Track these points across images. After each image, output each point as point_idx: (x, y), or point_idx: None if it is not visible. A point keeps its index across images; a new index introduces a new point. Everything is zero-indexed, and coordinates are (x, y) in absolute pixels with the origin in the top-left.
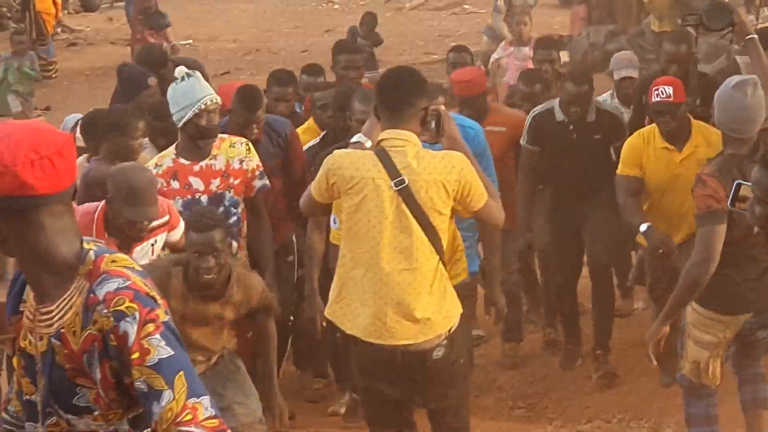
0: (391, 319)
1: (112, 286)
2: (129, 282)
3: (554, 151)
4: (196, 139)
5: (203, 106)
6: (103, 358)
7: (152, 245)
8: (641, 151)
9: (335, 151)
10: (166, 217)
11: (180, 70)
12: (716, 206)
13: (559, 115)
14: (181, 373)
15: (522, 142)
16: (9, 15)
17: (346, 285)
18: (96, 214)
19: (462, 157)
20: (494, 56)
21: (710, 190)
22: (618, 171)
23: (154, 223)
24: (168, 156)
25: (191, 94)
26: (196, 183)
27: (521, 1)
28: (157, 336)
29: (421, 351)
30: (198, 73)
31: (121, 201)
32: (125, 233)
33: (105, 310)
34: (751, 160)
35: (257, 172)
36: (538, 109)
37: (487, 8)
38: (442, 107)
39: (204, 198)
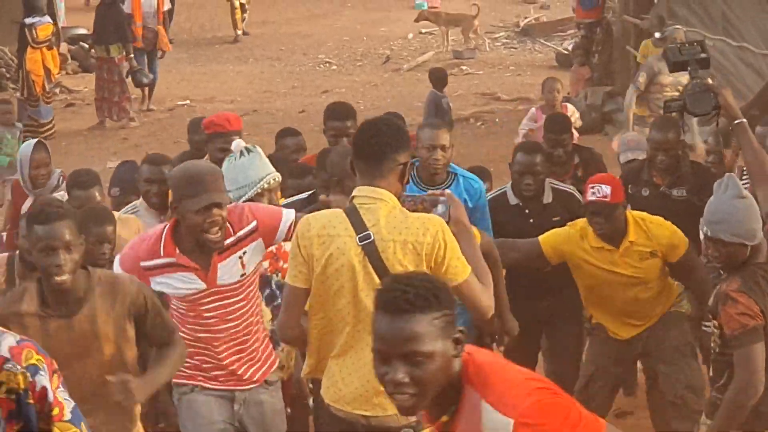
0: (361, 388)
1: (10, 340)
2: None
3: (510, 237)
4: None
5: (266, 186)
6: (11, 421)
7: (240, 258)
8: (572, 244)
9: (303, 217)
10: (253, 224)
11: (237, 145)
12: (752, 323)
13: (513, 199)
14: (83, 422)
15: None
16: (8, 75)
17: (321, 347)
18: (164, 235)
19: (441, 223)
20: (524, 126)
21: (742, 307)
22: (539, 239)
23: (240, 233)
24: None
25: (253, 172)
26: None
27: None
28: (62, 386)
29: (386, 428)
30: (258, 149)
31: (182, 196)
32: (199, 241)
33: (17, 367)
34: None
35: None
36: (489, 195)
37: (485, 70)
38: (449, 191)
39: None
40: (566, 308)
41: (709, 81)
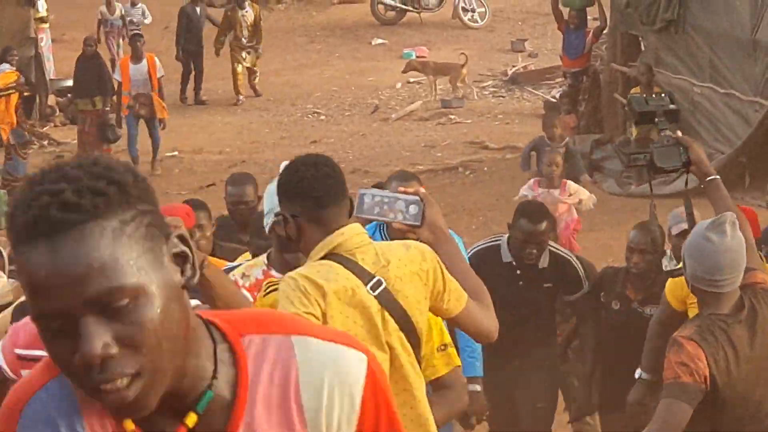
0: None
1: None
2: None
3: (493, 295)
4: (279, 250)
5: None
6: None
7: None
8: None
9: (291, 276)
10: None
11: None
12: (687, 379)
13: (506, 255)
14: None
15: None
16: None
17: None
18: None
19: (428, 248)
20: (522, 193)
21: (685, 356)
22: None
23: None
24: (258, 266)
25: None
26: None
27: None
28: None
29: None
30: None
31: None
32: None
33: None
34: (736, 320)
35: None
36: (480, 244)
37: (473, 118)
38: (423, 189)
39: None
40: (543, 367)
41: (679, 134)
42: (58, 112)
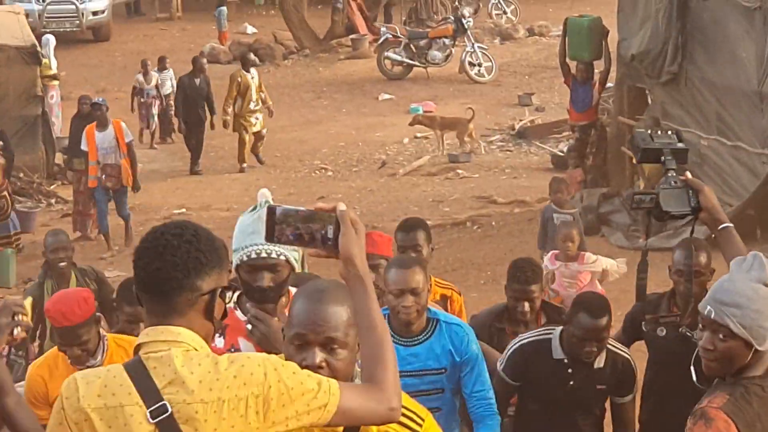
0: None
1: None
2: None
3: (539, 394)
4: (250, 299)
5: (245, 257)
6: None
7: None
8: None
9: (68, 379)
10: None
11: (262, 194)
12: None
13: (558, 352)
14: None
15: (498, 365)
16: None
17: None
18: None
19: (265, 359)
20: (544, 265)
21: (715, 430)
22: None
23: None
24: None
25: (242, 234)
26: (247, 348)
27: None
28: None
29: None
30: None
31: None
32: None
33: None
34: None
35: None
36: (529, 336)
37: (480, 173)
38: (342, 207)
39: None
40: None
41: (688, 175)
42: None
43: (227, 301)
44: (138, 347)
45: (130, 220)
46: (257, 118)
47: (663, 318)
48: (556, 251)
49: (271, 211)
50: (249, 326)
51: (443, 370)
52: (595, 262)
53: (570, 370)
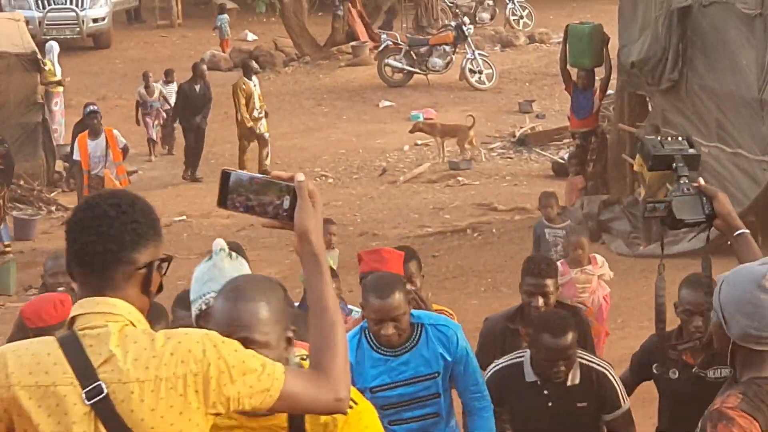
0: None
1: None
2: None
3: (521, 420)
4: None
5: (203, 306)
6: None
7: None
8: None
9: (2, 350)
10: None
11: (217, 243)
12: None
13: (530, 375)
14: None
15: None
16: None
17: None
18: None
19: (204, 335)
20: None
21: (739, 429)
22: None
23: None
24: None
25: (198, 283)
26: None
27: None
28: None
29: None
30: (233, 255)
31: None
32: None
33: None
34: None
35: None
36: (502, 362)
37: (481, 180)
38: (301, 175)
39: None
40: None
41: (701, 182)
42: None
43: (163, 273)
44: (72, 320)
45: None
46: (261, 124)
47: (681, 345)
48: (563, 260)
49: (225, 176)
50: None
51: (436, 374)
52: (603, 265)
53: (546, 392)
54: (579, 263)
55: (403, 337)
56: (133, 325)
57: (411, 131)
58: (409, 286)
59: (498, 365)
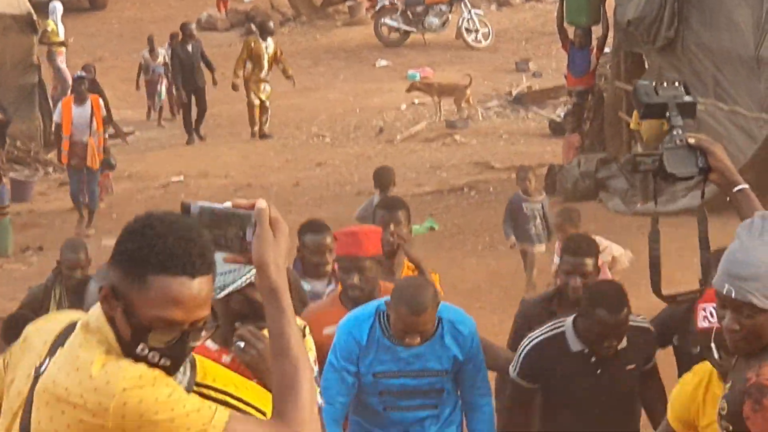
0: None
1: None
2: None
3: (567, 392)
4: (243, 319)
5: (230, 291)
6: None
7: None
8: (696, 399)
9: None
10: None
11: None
12: None
13: (575, 344)
14: None
15: (511, 370)
16: None
17: None
18: None
19: (136, 378)
20: (555, 260)
21: None
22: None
23: None
24: None
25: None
26: None
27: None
28: None
29: None
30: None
31: None
32: None
33: None
34: None
35: None
36: (539, 334)
37: (478, 139)
38: (262, 202)
39: None
40: None
41: (694, 139)
42: None
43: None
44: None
45: (96, 205)
46: (265, 88)
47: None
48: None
49: (185, 210)
50: (241, 344)
51: (444, 372)
52: (605, 250)
53: (593, 359)
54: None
55: (425, 340)
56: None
57: (408, 90)
58: (392, 235)
59: (536, 338)
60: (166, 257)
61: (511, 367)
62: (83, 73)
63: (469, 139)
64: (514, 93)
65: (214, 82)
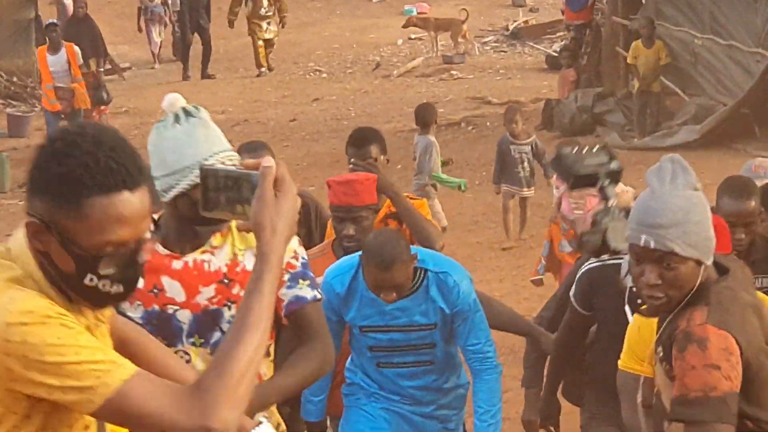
0: None
1: None
2: None
3: (618, 334)
4: (194, 222)
5: (188, 188)
6: None
7: None
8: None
9: None
10: None
11: (172, 101)
12: (724, 387)
13: (628, 280)
14: None
15: (571, 294)
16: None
17: None
18: None
19: (26, 311)
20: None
21: (715, 351)
22: (620, 364)
23: None
24: None
25: (192, 148)
26: (173, 289)
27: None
28: None
29: None
30: (204, 113)
31: None
32: None
33: None
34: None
35: (285, 275)
36: (596, 262)
37: (474, 74)
38: (269, 160)
39: (183, 315)
40: None
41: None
42: None
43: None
44: None
45: None
46: (268, 24)
47: None
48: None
49: (205, 175)
50: None
51: (432, 326)
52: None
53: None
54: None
55: (403, 294)
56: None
57: (404, 26)
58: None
59: (593, 264)
60: (103, 175)
61: (572, 290)
62: (55, 20)
63: (465, 74)
64: (510, 28)
65: (231, 24)
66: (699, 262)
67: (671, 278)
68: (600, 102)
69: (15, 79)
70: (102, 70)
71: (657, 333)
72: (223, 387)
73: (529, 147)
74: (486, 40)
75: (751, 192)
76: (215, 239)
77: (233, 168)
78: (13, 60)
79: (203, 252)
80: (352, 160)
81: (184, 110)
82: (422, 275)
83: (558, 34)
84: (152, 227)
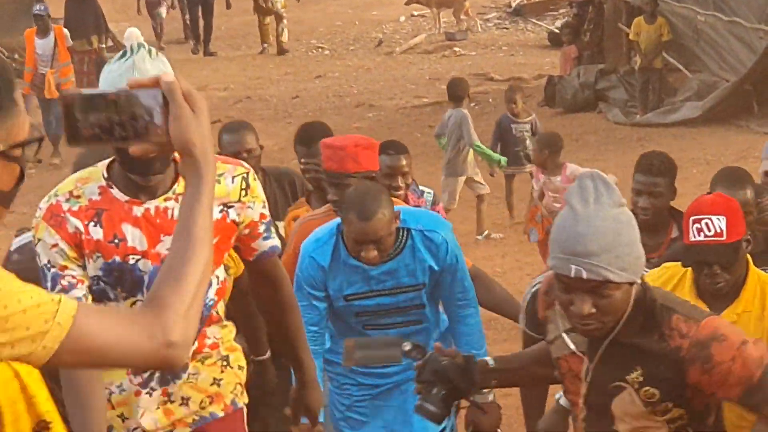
0: None
1: None
2: None
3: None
4: (129, 171)
5: None
6: None
7: None
8: None
9: None
10: None
11: (129, 35)
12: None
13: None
14: None
15: (520, 322)
16: None
17: None
18: None
19: None
20: (535, 187)
21: (735, 338)
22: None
23: None
24: (94, 180)
25: (124, 81)
26: (134, 238)
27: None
28: None
29: None
30: (153, 51)
31: None
32: None
33: None
34: None
35: (261, 227)
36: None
37: (477, 51)
38: (169, 75)
39: (145, 264)
40: None
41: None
42: None
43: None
44: None
45: (60, 138)
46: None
47: None
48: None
49: (68, 101)
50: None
51: (421, 286)
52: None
53: None
54: (553, 170)
55: (385, 255)
56: None
57: (407, 2)
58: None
59: (537, 283)
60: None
61: (520, 319)
62: (43, 8)
63: (468, 50)
64: (513, 4)
65: (228, 5)
66: (632, 283)
67: (606, 306)
68: (602, 78)
69: (16, 56)
70: (104, 46)
71: (592, 361)
72: (181, 303)
73: (529, 125)
74: (488, 16)
75: (745, 182)
76: (179, 186)
77: (107, 90)
78: (14, 37)
79: (166, 199)
80: (303, 159)
81: (139, 45)
82: (405, 236)
83: (560, 11)
84: (105, 173)
